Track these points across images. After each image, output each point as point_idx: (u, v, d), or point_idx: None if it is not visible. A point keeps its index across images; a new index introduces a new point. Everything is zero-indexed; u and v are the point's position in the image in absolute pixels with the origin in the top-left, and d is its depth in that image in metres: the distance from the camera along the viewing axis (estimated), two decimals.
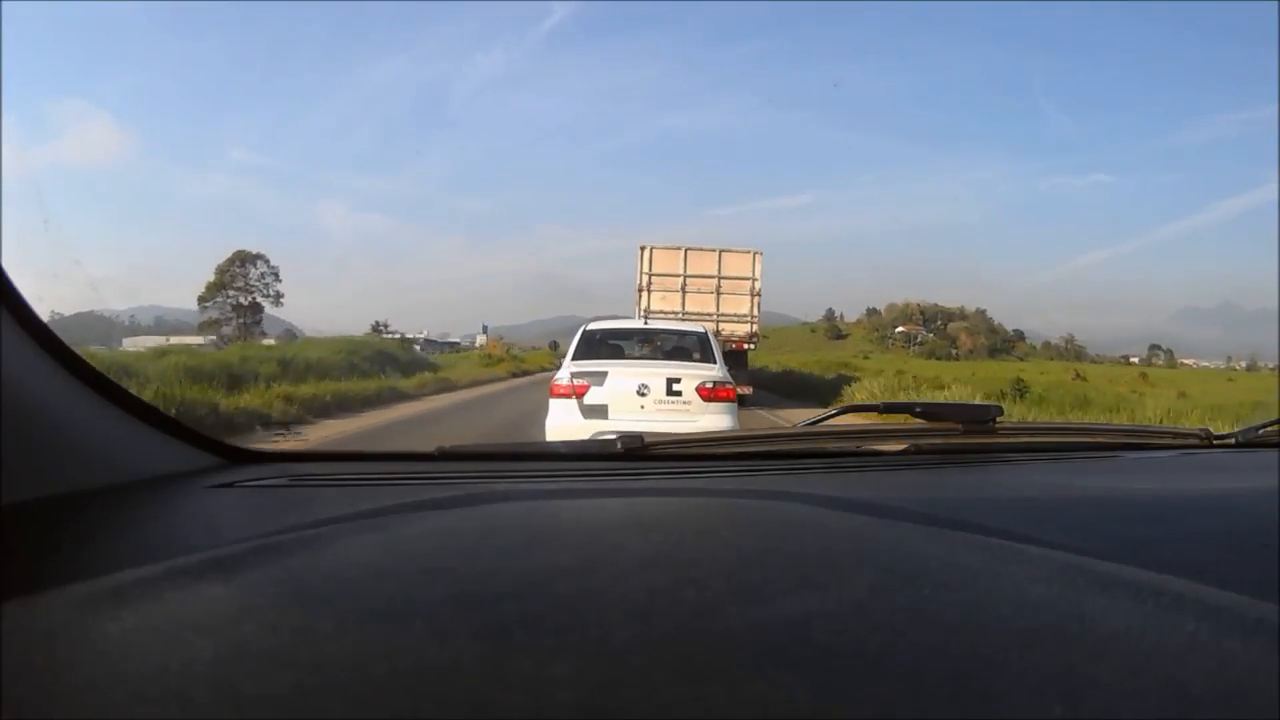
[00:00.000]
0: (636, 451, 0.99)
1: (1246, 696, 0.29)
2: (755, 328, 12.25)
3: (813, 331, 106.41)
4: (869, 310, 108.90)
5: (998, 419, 1.11)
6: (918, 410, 1.12)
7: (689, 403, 4.64)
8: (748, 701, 0.27)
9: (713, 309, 11.90)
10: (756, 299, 12.16)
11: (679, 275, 12.14)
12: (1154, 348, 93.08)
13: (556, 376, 4.90)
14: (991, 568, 0.44)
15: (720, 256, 12.21)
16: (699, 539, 0.52)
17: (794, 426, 1.25)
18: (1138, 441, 1.24)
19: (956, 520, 0.61)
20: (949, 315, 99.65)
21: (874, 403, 1.23)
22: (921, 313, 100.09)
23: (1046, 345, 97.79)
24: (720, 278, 12.13)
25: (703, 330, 6.04)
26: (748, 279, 12.15)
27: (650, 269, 12.23)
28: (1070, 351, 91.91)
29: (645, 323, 7.26)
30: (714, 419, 4.54)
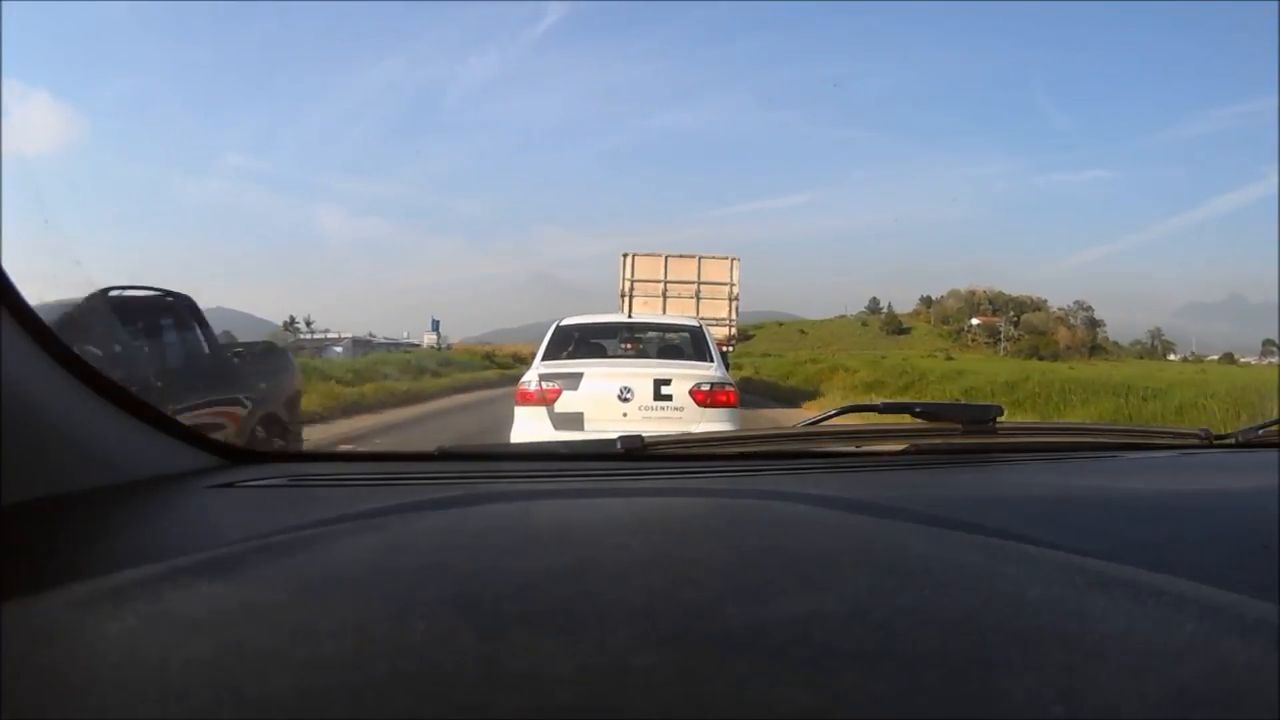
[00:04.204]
0: (636, 451, 0.99)
1: (1246, 696, 0.29)
2: (734, 330, 12.64)
3: (864, 325, 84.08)
4: (923, 299, 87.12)
5: (998, 419, 1.11)
6: (917, 410, 1.12)
7: (681, 409, 3.90)
8: (748, 701, 0.27)
9: (693, 313, 12.13)
10: (735, 303, 12.50)
11: (660, 281, 12.42)
12: (1268, 343, 73.53)
13: (523, 379, 4.08)
14: (991, 568, 0.44)
15: (700, 262, 12.51)
16: (699, 539, 0.52)
17: (794, 426, 1.25)
18: (1137, 442, 1.24)
19: (956, 520, 0.61)
20: (1020, 305, 78.69)
21: (874, 403, 1.23)
22: (990, 302, 79.84)
23: (1114, 344, 78.60)
24: (700, 283, 12.41)
25: (697, 324, 5.25)
26: (726, 284, 12.46)
27: (632, 275, 12.51)
28: (1160, 349, 76.43)
29: (629, 316, 6.59)
30: (712, 428, 3.59)
